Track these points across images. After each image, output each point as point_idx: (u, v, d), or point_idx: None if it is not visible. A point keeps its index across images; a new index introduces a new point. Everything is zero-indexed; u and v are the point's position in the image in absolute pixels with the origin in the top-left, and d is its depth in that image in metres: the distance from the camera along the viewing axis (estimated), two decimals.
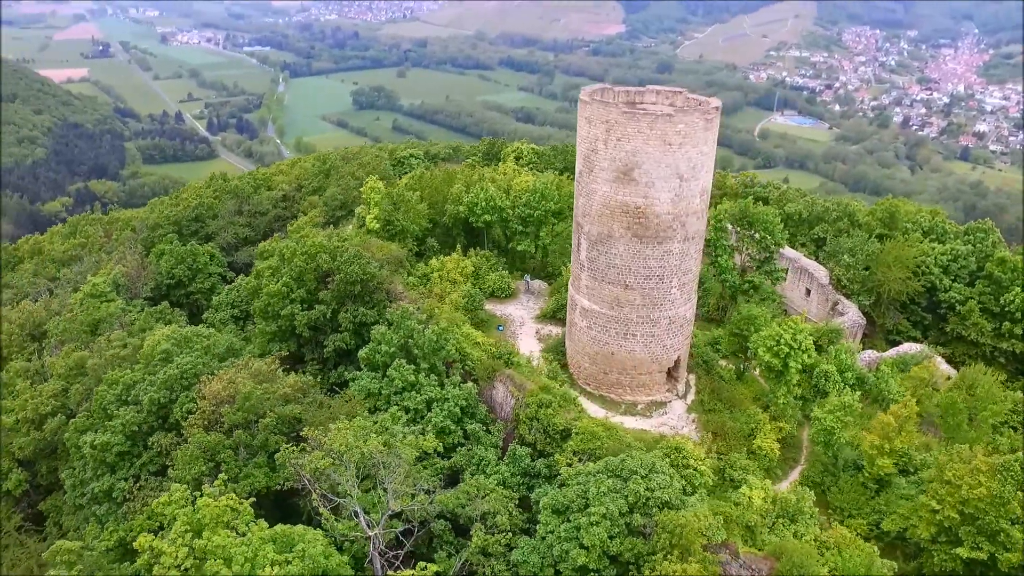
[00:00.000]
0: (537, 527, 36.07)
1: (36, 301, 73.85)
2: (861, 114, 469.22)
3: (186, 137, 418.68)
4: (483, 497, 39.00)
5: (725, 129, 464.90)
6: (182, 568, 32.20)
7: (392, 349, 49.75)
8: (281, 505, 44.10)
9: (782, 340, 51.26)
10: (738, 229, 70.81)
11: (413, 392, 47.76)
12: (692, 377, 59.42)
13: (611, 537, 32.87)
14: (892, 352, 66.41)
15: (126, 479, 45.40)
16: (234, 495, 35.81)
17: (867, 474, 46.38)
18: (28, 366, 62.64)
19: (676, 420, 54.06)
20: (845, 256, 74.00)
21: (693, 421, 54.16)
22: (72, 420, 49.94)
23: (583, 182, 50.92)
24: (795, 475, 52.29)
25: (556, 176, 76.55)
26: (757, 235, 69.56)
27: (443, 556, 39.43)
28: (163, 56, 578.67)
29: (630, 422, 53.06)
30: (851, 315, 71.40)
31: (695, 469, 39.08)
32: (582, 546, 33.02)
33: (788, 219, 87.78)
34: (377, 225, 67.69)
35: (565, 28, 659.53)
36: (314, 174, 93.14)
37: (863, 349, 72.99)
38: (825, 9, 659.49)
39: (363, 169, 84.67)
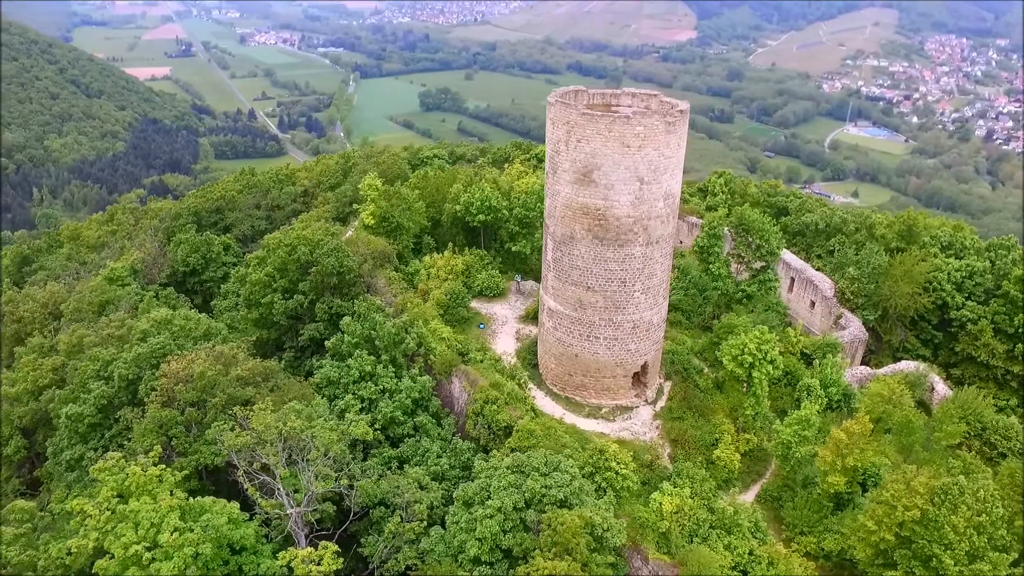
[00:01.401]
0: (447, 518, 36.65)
1: (63, 282, 78.41)
2: (940, 126, 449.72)
3: (257, 134, 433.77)
4: (398, 487, 39.81)
5: (793, 139, 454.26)
6: (102, 530, 34.05)
7: (355, 340, 51.06)
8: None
9: (746, 349, 50.19)
10: (735, 236, 69.70)
11: (369, 382, 48.88)
12: (668, 384, 58.77)
13: (504, 531, 33.14)
14: (887, 369, 64.04)
15: (95, 449, 47.93)
16: (165, 467, 37.67)
17: (821, 491, 45.04)
18: (43, 342, 66.53)
19: (640, 426, 53.54)
20: (850, 268, 71.66)
21: (657, 428, 53.55)
22: (59, 392, 53.09)
23: (549, 183, 51.14)
24: (757, 488, 51.16)
25: None
26: (754, 242, 68.32)
27: (372, 541, 40.26)
28: (241, 56, 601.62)
29: (591, 425, 52.86)
30: (852, 329, 69.15)
31: (617, 473, 38.80)
32: (477, 538, 33.40)
33: (804, 229, 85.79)
34: (372, 221, 69.21)
35: (636, 34, 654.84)
36: (335, 171, 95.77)
37: (875, 365, 71.09)
38: (908, 17, 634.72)
39: (377, 168, 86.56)
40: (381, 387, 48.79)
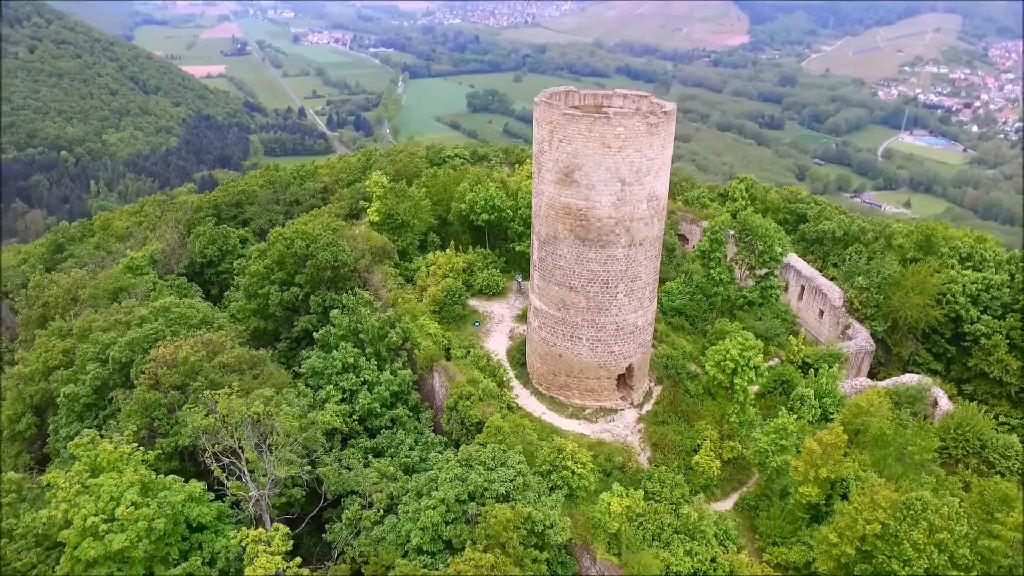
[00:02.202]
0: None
1: (88, 270, 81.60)
2: (1002, 136, 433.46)
3: (306, 132, 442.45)
4: (360, 476, 40.54)
5: (845, 147, 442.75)
6: (70, 502, 35.61)
7: (342, 332, 52.09)
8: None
9: (728, 355, 49.56)
10: (738, 241, 68.78)
11: (351, 374, 49.80)
12: (659, 388, 58.40)
13: (447, 522, 33.57)
14: (888, 382, 62.33)
15: (90, 428, 49.87)
16: (138, 445, 39.21)
17: (794, 502, 44.26)
18: (62, 325, 69.38)
19: (622, 428, 53.35)
20: (859, 278, 70.01)
21: (639, 431, 53.28)
22: (63, 373, 55.42)
23: (535, 183, 51.36)
24: (736, 496, 50.49)
25: None
26: (757, 248, 67.33)
27: (336, 528, 41.04)
28: (294, 55, 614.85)
29: (572, 425, 52.91)
30: (859, 340, 67.61)
31: (573, 472, 38.81)
32: (420, 527, 33.91)
33: (822, 237, 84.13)
34: (378, 218, 70.34)
35: (687, 38, 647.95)
36: (355, 168, 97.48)
37: (883, 378, 69.29)
38: (972, 22, 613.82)
39: (393, 166, 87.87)
40: (363, 379, 49.65)
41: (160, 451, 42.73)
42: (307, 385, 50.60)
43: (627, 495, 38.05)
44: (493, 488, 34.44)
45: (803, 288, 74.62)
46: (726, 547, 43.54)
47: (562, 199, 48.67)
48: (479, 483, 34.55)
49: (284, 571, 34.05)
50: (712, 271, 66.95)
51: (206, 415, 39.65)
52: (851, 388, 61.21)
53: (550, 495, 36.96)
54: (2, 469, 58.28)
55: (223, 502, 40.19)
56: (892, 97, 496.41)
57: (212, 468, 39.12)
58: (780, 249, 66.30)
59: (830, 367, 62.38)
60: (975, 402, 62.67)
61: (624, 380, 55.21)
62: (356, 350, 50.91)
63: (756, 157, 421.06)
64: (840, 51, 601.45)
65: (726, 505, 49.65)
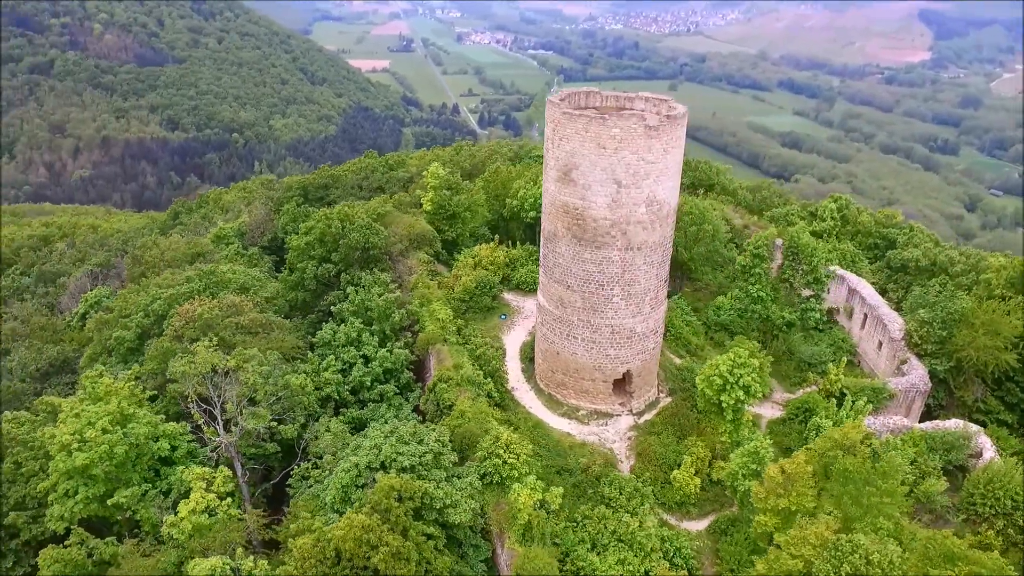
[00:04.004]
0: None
1: (187, 236, 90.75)
2: None
3: (457, 128, 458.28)
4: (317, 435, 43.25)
5: None
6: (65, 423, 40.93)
7: (353, 308, 55.27)
8: None
9: (718, 372, 47.83)
10: (784, 259, 65.57)
11: (352, 348, 52.79)
12: (668, 399, 57.17)
13: (357, 486, 35.45)
14: (927, 425, 57.09)
15: (129, 368, 56.16)
16: (136, 382, 44.29)
17: (753, 530, 42.22)
18: (147, 282, 77.86)
19: (612, 433, 52.81)
20: (922, 310, 64.49)
21: (628, 439, 52.52)
22: (122, 320, 62.48)
23: (543, 180, 51.97)
24: (713, 517, 48.61)
25: None
26: (802, 267, 63.97)
27: (293, 482, 43.92)
28: (455, 53, 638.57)
29: (561, 424, 53.03)
30: (912, 377, 62.40)
31: (504, 462, 39.23)
32: (335, 487, 36.04)
33: (906, 266, 78.12)
34: (430, 207, 73.23)
35: (859, 52, 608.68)
36: (442, 161, 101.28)
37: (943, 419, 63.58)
38: None
39: (469, 161, 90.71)
40: (363, 353, 52.48)
41: (169, 395, 47.45)
42: (316, 354, 54.11)
43: (543, 490, 38.09)
44: (400, 460, 35.93)
45: (866, 316, 69.79)
46: (675, 564, 42.50)
47: (561, 197, 49.05)
48: (389, 453, 36.17)
49: (216, 508, 37.28)
50: (752, 287, 64.26)
51: (187, 362, 43.87)
52: (882, 425, 56.74)
53: (478, 480, 37.96)
54: None
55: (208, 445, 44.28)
56: None
57: (191, 412, 43.23)
58: (823, 271, 62.53)
59: (869, 402, 58.46)
60: None
61: (624, 387, 54.50)
62: (363, 326, 53.81)
63: (921, 183, 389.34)
64: None
65: (700, 525, 48.02)
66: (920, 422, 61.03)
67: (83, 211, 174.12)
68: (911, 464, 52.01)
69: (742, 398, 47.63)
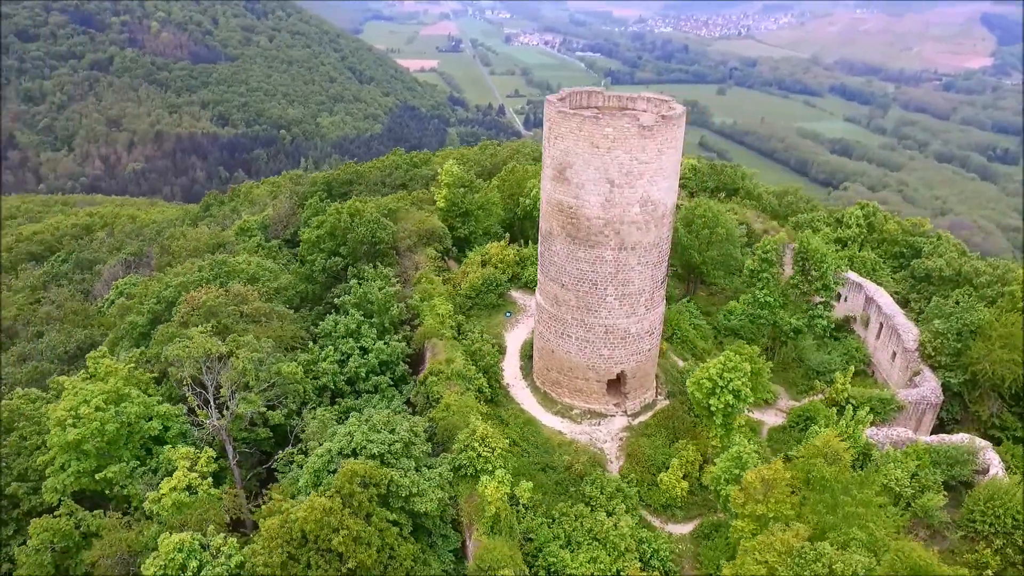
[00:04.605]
0: None
1: (212, 228, 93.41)
2: None
3: (502, 129, 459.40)
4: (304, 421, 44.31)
5: None
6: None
7: (355, 300, 56.34)
8: None
9: (708, 375, 47.41)
10: (795, 265, 64.54)
11: (351, 339, 53.81)
12: (666, 402, 56.87)
13: (328, 471, 36.27)
14: (932, 438, 55.55)
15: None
16: (135, 364, 45.95)
17: (730, 535, 41.83)
18: (173, 270, 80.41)
19: (603, 434, 52.77)
20: (936, 321, 62.77)
21: (620, 439, 52.42)
22: (137, 306, 64.75)
23: (541, 179, 52.21)
24: (699, 521, 48.22)
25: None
26: (811, 273, 62.90)
27: (279, 465, 45.12)
28: (503, 54, 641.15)
29: (553, 422, 53.21)
30: (924, 389, 60.90)
31: (479, 455, 39.58)
32: (308, 471, 37.06)
33: (928, 276, 76.09)
34: (444, 204, 74.06)
35: (917, 58, 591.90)
36: (470, 160, 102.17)
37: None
38: None
39: (491, 160, 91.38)
40: (360, 345, 53.47)
41: (171, 378, 49.03)
42: (319, 344, 55.31)
43: (512, 483, 38.37)
44: (370, 448, 36.63)
45: (881, 326, 68.33)
46: (651, 566, 42.38)
47: (556, 196, 49.26)
48: (360, 441, 36.93)
49: (197, 487, 38.55)
50: (759, 292, 63.42)
51: (181, 346, 45.37)
52: (884, 437, 55.50)
53: (450, 471, 38.55)
54: None
55: (201, 428, 45.69)
56: None
57: (186, 395, 44.74)
58: (831, 277, 61.41)
59: (876, 413, 57.46)
60: None
61: (618, 387, 54.40)
62: (362, 318, 54.82)
63: (977, 193, 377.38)
64: None
65: (685, 529, 47.71)
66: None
67: (127, 202, 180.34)
68: (911, 478, 51.05)
69: (732, 402, 47.09)
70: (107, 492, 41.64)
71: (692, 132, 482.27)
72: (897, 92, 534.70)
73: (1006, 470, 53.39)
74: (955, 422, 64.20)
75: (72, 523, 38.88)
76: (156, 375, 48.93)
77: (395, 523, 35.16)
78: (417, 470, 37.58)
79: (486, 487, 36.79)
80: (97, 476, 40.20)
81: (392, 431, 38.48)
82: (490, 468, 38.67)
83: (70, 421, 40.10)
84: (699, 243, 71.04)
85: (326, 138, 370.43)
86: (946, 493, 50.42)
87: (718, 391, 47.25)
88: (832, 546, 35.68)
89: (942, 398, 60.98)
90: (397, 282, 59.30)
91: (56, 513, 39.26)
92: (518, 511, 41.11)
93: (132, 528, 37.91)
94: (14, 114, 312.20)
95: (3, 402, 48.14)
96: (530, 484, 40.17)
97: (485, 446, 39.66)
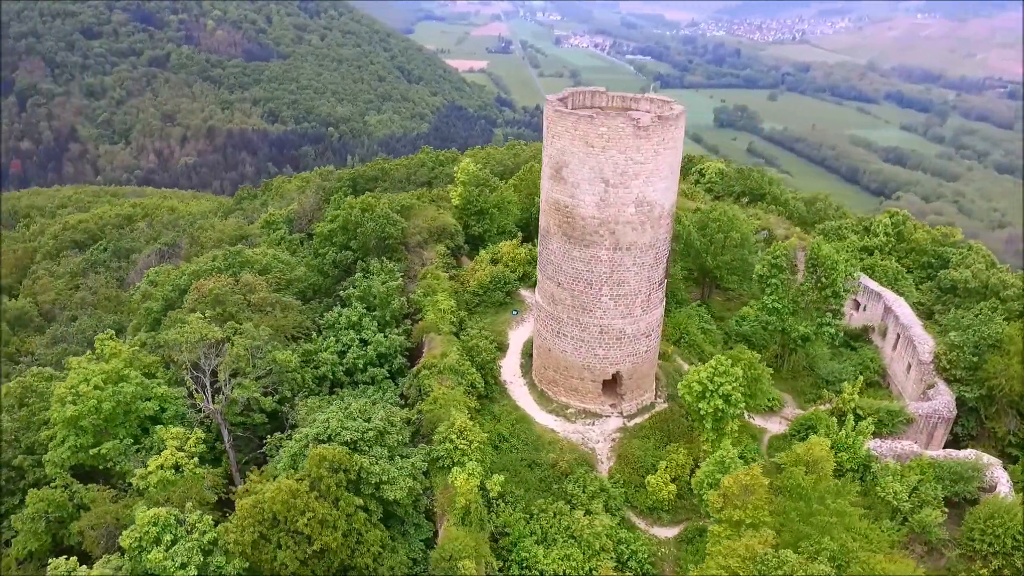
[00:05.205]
0: None
1: (242, 220, 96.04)
2: None
3: None
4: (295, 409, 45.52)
5: None
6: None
7: (359, 293, 57.46)
8: None
9: (697, 379, 47.03)
10: (806, 271, 63.37)
11: (351, 331, 54.90)
12: (665, 405, 56.55)
13: (304, 455, 37.27)
14: (937, 453, 54.00)
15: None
16: (140, 347, 47.87)
17: (709, 539, 41.44)
18: (197, 260, 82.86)
19: (597, 434, 52.70)
20: (952, 333, 61.01)
21: (613, 440, 52.32)
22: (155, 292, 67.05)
23: (540, 178, 52.47)
24: (685, 525, 47.86)
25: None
26: (822, 280, 61.73)
27: (267, 449, 46.28)
28: (553, 56, 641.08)
29: (547, 420, 53.32)
30: (936, 403, 59.28)
31: (456, 447, 40.05)
32: (285, 455, 38.19)
33: (953, 288, 74.03)
34: (459, 202, 74.81)
35: (981, 65, 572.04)
36: (495, 159, 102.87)
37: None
38: None
39: (514, 160, 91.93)
40: (361, 337, 54.51)
41: (176, 362, 50.80)
42: (321, 336, 56.57)
43: (482, 476, 38.72)
44: (343, 434, 37.44)
45: (899, 336, 66.73)
46: (628, 567, 42.33)
47: (553, 194, 49.48)
48: (334, 427, 37.78)
49: (183, 466, 39.93)
50: (767, 298, 62.49)
51: (180, 331, 46.97)
52: (888, 450, 54.18)
53: (423, 461, 39.20)
54: None
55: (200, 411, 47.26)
56: None
57: (184, 378, 46.32)
58: (841, 285, 60.18)
59: (883, 424, 56.42)
60: None
61: (615, 388, 54.27)
62: (365, 311, 55.88)
63: None
64: None
65: (671, 532, 47.40)
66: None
67: (171, 195, 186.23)
68: (912, 492, 49.84)
69: (722, 407, 46.62)
70: (102, 468, 43.38)
71: (741, 138, 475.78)
72: (957, 100, 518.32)
73: (1020, 490, 51.72)
74: (971, 438, 62.24)
75: (66, 495, 40.71)
76: (165, 359, 50.70)
77: (365, 509, 35.90)
78: (391, 459, 38.29)
79: (456, 478, 37.27)
80: (91, 452, 41.97)
81: (368, 420, 39.27)
82: (463, 459, 39.11)
83: (69, 398, 41.94)
84: (713, 247, 70.38)
85: (373, 136, 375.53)
86: (947, 510, 49.16)
87: (708, 395, 46.86)
88: (803, 555, 35.25)
89: (955, 412, 59.23)
90: (402, 277, 60.21)
91: (52, 485, 41.15)
92: (497, 505, 41.52)
93: (119, 502, 39.44)
94: (77, 108, 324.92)
95: (16, 379, 50.56)
96: (501, 478, 40.54)
97: (463, 439, 40.14)
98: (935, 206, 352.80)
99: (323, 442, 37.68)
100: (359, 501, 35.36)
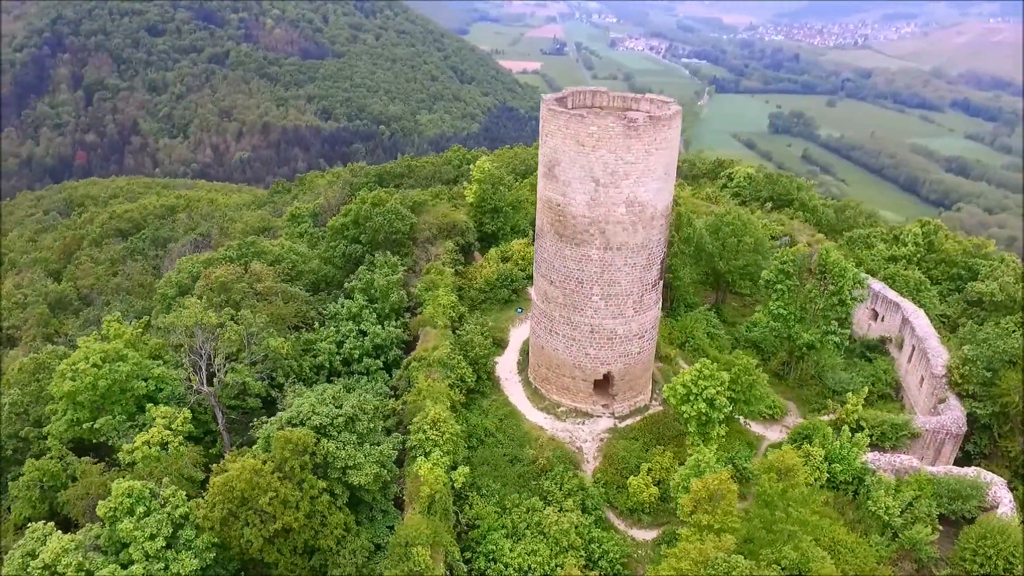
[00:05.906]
0: None
1: (272, 212, 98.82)
2: None
3: None
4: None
5: None
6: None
7: (361, 285, 58.71)
8: None
9: (682, 382, 46.70)
10: (816, 278, 62.13)
11: (351, 322, 56.15)
12: (660, 408, 56.25)
13: None
14: (938, 469, 52.36)
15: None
16: (143, 329, 49.93)
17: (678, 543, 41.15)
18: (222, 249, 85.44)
19: (585, 433, 52.78)
20: (966, 347, 59.04)
21: (601, 440, 52.30)
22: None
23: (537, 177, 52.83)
24: (664, 528, 47.54)
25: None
26: (830, 287, 60.46)
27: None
28: (607, 59, 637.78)
29: (537, 417, 53.66)
30: (944, 418, 57.53)
31: (428, 437, 40.68)
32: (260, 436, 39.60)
33: (980, 300, 71.67)
34: (473, 199, 75.64)
35: None
36: (520, 159, 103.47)
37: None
38: None
39: (535, 159, 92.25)
40: (360, 328, 55.70)
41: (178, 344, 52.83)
42: (323, 326, 57.98)
43: (447, 467, 39.26)
44: (312, 420, 38.46)
45: (914, 348, 64.94)
46: (598, 566, 42.36)
47: (546, 193, 49.82)
48: (306, 412, 38.85)
49: (169, 443, 41.61)
50: (772, 303, 61.46)
51: (176, 315, 48.81)
52: (886, 464, 52.78)
53: (392, 449, 39.99)
54: None
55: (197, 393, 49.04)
56: None
57: (182, 361, 48.14)
58: (848, 294, 58.83)
59: (886, 437, 55.21)
60: None
61: (606, 388, 54.22)
62: (366, 303, 57.07)
63: None
64: None
65: (650, 534, 47.16)
66: None
67: (215, 188, 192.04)
68: (905, 508, 48.64)
69: (706, 411, 46.19)
70: (99, 442, 45.44)
71: (796, 144, 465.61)
72: None
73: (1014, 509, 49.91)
74: (983, 456, 60.12)
75: (61, 466, 42.82)
76: (169, 342, 52.71)
77: (331, 493, 36.87)
78: (360, 444, 39.17)
79: (420, 467, 37.93)
80: (86, 426, 44.05)
81: (339, 406, 40.26)
82: (434, 451, 39.76)
83: (69, 374, 44.08)
84: (725, 251, 69.57)
85: (423, 135, 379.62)
86: (941, 527, 47.83)
87: (692, 398, 46.51)
88: (762, 562, 34.85)
89: (965, 429, 57.34)
90: (407, 271, 61.25)
91: (48, 455, 43.35)
92: (469, 497, 42.08)
93: (106, 475, 41.31)
94: (139, 103, 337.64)
95: (32, 356, 53.30)
96: (466, 469, 41.05)
97: (435, 430, 40.80)
98: (999, 218, 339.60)
99: (295, 426, 38.82)
100: (323, 484, 36.35)
